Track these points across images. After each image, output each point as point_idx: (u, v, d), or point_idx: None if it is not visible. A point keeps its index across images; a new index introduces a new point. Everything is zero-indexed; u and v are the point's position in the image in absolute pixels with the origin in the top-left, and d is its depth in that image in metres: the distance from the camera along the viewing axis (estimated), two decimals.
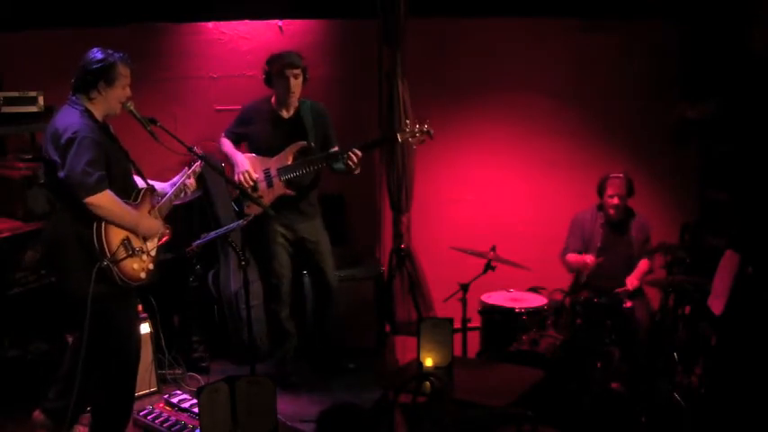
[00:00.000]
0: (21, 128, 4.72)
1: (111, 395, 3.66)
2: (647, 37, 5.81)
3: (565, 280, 5.33)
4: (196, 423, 3.94)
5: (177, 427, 4.00)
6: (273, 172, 4.60)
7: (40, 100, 4.63)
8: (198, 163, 3.89)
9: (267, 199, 4.56)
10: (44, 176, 3.61)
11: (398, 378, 4.08)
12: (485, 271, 4.71)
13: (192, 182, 3.87)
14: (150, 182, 3.76)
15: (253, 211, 4.47)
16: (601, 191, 5.12)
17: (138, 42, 5.29)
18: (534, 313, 4.89)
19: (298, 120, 4.66)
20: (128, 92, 3.60)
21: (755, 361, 4.09)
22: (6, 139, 5.01)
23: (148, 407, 4.20)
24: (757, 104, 5.35)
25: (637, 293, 5.00)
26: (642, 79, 5.87)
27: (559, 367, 4.44)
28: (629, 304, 4.78)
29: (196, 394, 3.65)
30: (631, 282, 4.98)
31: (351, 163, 4.52)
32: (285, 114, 4.66)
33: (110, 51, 3.54)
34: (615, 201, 5.04)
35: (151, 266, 3.64)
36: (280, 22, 5.61)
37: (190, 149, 3.84)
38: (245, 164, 4.58)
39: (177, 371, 4.83)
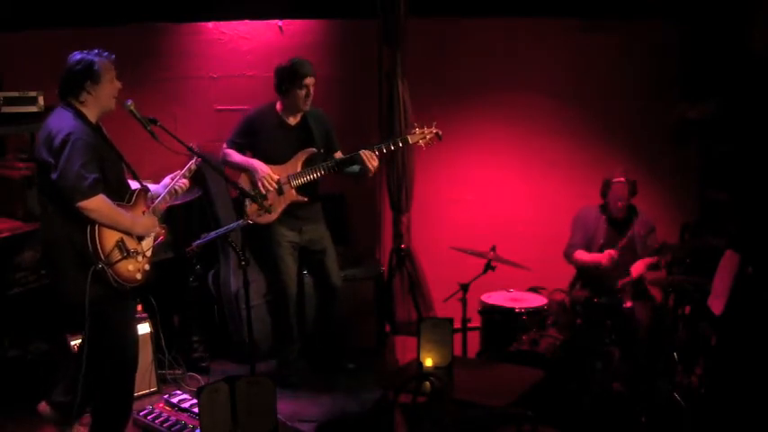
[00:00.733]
0: (21, 128, 4.71)
1: (109, 396, 3.65)
2: (647, 37, 5.81)
3: (565, 280, 5.33)
4: (196, 423, 3.93)
5: (177, 427, 4.00)
6: (284, 179, 4.59)
7: (40, 100, 4.63)
8: (192, 162, 3.89)
9: (279, 206, 4.56)
10: (36, 178, 3.59)
11: (398, 378, 4.08)
12: (485, 271, 4.72)
13: (184, 182, 3.86)
14: (144, 183, 3.75)
15: (264, 219, 4.48)
16: (604, 193, 5.13)
17: (138, 42, 5.30)
18: (534, 313, 4.89)
19: (305, 126, 4.65)
20: (117, 84, 3.57)
21: (755, 361, 4.09)
22: (6, 139, 5.01)
23: (148, 407, 4.20)
24: (757, 104, 5.35)
25: (640, 293, 5.00)
26: (642, 79, 5.87)
27: (559, 367, 4.44)
28: (629, 304, 4.78)
29: (196, 394, 3.65)
30: (636, 269, 4.94)
31: (369, 166, 4.51)
32: (292, 121, 4.65)
33: (86, 51, 3.53)
34: (620, 205, 5.04)
35: (147, 267, 3.63)
36: (280, 22, 5.62)
37: (190, 149, 3.83)
38: (265, 168, 4.54)
39: (177, 371, 4.82)
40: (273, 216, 4.53)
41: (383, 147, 4.61)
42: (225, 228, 4.06)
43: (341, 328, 5.03)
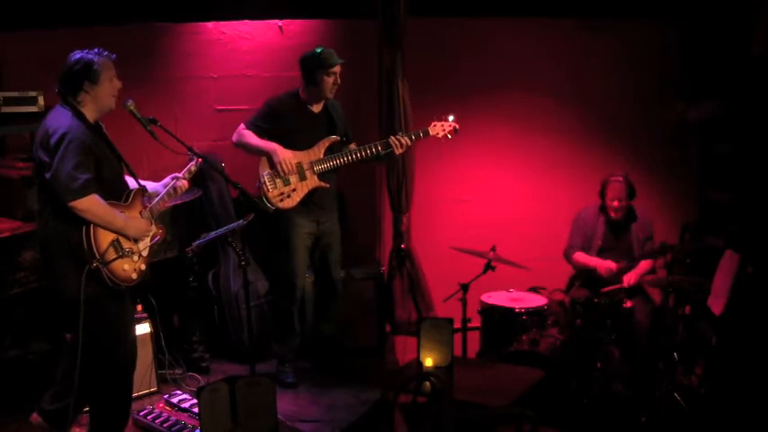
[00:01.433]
0: (21, 128, 4.72)
1: (107, 396, 3.64)
2: (647, 37, 5.81)
3: (565, 280, 5.33)
4: (196, 423, 3.94)
5: (177, 427, 4.00)
6: (306, 165, 4.61)
7: (40, 100, 4.63)
8: (192, 163, 3.88)
9: (301, 192, 4.59)
10: (36, 177, 3.60)
11: (398, 378, 4.08)
12: (485, 271, 4.72)
13: (183, 183, 3.85)
14: (143, 182, 3.74)
15: (285, 204, 4.54)
16: (602, 194, 5.13)
17: (138, 42, 5.30)
18: (534, 313, 4.89)
19: (328, 115, 4.72)
20: (117, 83, 3.57)
21: (755, 361, 4.09)
22: (6, 139, 5.01)
23: (148, 407, 4.20)
24: (757, 104, 5.35)
25: (637, 293, 5.00)
26: (642, 79, 5.87)
27: (559, 367, 4.44)
28: (629, 304, 4.78)
29: (196, 394, 3.64)
30: (628, 278, 4.98)
31: (397, 149, 4.60)
32: (316, 109, 4.69)
33: (87, 50, 3.53)
34: (616, 204, 5.05)
35: (143, 267, 3.63)
36: (280, 22, 5.61)
37: (190, 149, 3.83)
38: (284, 150, 4.56)
39: (177, 371, 4.83)
40: (295, 200, 4.57)
41: (405, 137, 4.65)
42: (225, 228, 4.06)
43: (341, 328, 5.03)
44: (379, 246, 5.77)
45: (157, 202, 3.75)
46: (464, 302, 4.65)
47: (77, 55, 3.51)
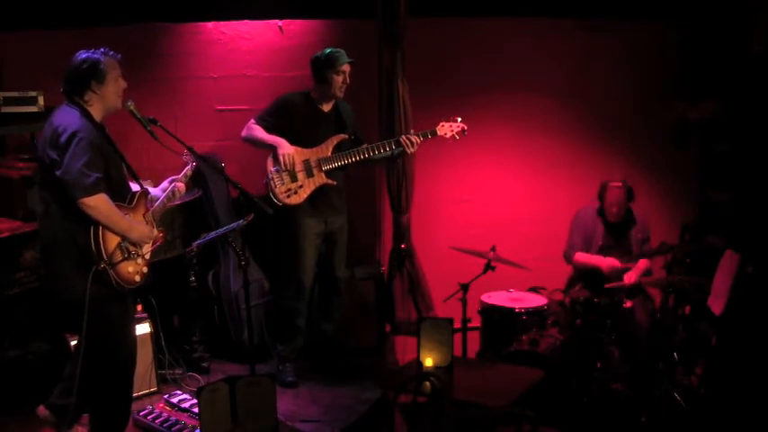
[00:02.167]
0: (21, 128, 4.72)
1: (107, 396, 3.65)
2: (647, 37, 5.81)
3: (565, 280, 5.33)
4: (196, 423, 3.93)
5: (177, 427, 4.00)
6: (314, 162, 4.62)
7: (40, 100, 4.63)
8: (188, 168, 3.89)
9: (308, 188, 4.60)
10: (39, 176, 3.60)
11: (398, 378, 4.08)
12: (485, 271, 4.71)
13: (181, 186, 3.86)
14: (144, 185, 3.75)
15: (292, 201, 4.55)
16: (600, 196, 5.13)
17: (138, 42, 5.29)
18: (534, 313, 4.89)
19: (337, 114, 4.74)
20: (122, 83, 3.58)
21: (755, 361, 4.09)
22: (6, 139, 5.01)
23: (148, 407, 4.20)
24: (757, 104, 5.35)
25: (637, 293, 5.00)
26: (642, 79, 5.87)
27: (559, 367, 4.44)
28: (629, 304, 4.78)
29: (196, 394, 3.65)
30: (629, 277, 4.97)
31: (408, 148, 4.62)
32: (326, 108, 4.71)
33: (92, 50, 3.53)
34: (614, 209, 5.05)
35: (146, 269, 3.64)
36: (280, 22, 5.61)
37: (190, 149, 3.83)
38: (289, 146, 4.58)
39: (177, 371, 4.82)
40: (302, 196, 4.58)
41: (415, 136, 4.66)
42: (225, 228, 4.06)
43: (341, 328, 5.03)
44: (379, 246, 5.77)
45: (158, 205, 3.76)
46: (464, 302, 4.64)
47: (83, 54, 3.52)
